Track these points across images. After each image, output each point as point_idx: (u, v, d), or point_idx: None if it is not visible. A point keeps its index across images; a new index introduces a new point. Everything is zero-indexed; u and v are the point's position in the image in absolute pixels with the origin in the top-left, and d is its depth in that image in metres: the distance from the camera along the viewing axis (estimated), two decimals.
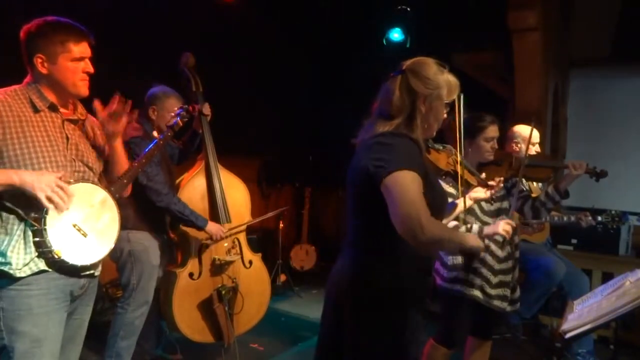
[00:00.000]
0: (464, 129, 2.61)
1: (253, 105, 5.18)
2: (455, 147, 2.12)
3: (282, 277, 5.51)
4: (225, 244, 3.29)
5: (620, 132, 5.17)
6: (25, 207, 1.79)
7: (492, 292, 2.60)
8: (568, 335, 1.76)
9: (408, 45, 5.28)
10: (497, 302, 2.62)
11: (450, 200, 2.30)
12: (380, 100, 1.82)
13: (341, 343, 1.79)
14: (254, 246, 3.57)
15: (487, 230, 2.34)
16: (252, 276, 3.42)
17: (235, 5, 4.73)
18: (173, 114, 2.68)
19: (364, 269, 1.77)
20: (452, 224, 2.37)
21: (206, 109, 3.30)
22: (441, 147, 2.08)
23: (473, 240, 1.80)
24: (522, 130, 3.40)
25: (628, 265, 3.64)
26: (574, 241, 4.42)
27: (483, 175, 2.25)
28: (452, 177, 2.10)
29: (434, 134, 1.90)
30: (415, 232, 1.57)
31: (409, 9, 5.19)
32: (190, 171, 3.33)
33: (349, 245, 1.85)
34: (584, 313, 1.91)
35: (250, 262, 3.42)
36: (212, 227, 3.13)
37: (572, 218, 3.59)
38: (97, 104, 2.02)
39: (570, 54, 5.44)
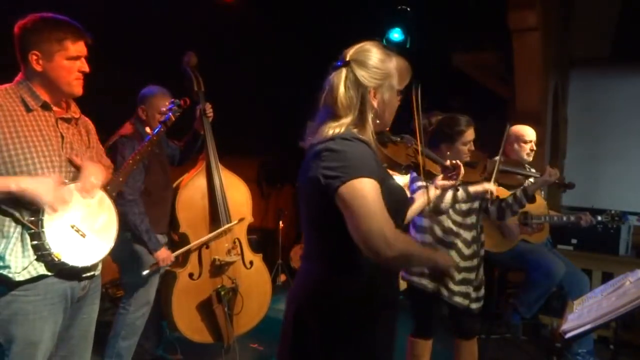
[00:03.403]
0: (442, 133, 2.63)
1: (253, 105, 5.19)
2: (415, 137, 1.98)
3: (282, 277, 5.51)
4: (226, 245, 3.29)
5: (620, 132, 5.18)
6: (22, 209, 1.76)
7: (455, 288, 2.64)
8: (568, 335, 1.75)
9: (408, 45, 5.28)
10: (458, 299, 2.66)
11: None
12: (325, 98, 1.60)
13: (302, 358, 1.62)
14: (254, 246, 3.57)
15: (473, 188, 2.43)
16: (253, 277, 3.42)
17: (235, 5, 4.73)
18: (165, 109, 2.61)
19: (325, 285, 1.59)
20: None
21: (208, 110, 3.29)
22: (399, 139, 1.93)
23: (443, 258, 1.70)
24: (517, 130, 3.39)
25: (628, 265, 3.65)
26: (574, 241, 4.42)
27: (447, 162, 2.17)
28: (414, 169, 1.98)
29: (389, 125, 1.73)
30: (380, 249, 1.41)
31: (409, 9, 5.19)
32: (192, 171, 3.32)
33: (307, 259, 1.67)
34: (584, 313, 1.91)
35: (251, 263, 3.42)
36: (162, 253, 2.94)
37: (572, 218, 3.60)
38: None
39: (570, 54, 5.45)
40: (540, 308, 3.91)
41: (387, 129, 1.77)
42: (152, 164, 2.99)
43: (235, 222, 3.33)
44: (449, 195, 2.41)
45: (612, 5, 4.90)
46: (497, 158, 2.71)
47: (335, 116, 1.56)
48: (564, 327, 1.82)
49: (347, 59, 1.59)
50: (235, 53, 4.78)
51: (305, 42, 5.44)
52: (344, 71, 1.57)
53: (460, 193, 2.45)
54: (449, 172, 2.11)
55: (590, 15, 5.07)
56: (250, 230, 3.57)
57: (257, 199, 3.55)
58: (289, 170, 6.18)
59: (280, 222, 5.56)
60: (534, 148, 3.43)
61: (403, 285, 4.60)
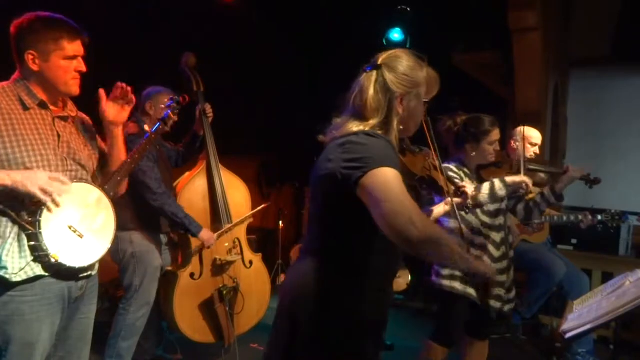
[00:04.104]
0: (467, 133, 2.64)
1: (253, 105, 5.18)
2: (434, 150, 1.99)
3: (282, 277, 5.51)
4: (226, 244, 3.29)
5: (620, 132, 5.18)
6: (19, 209, 1.74)
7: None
8: (568, 335, 1.75)
9: (408, 46, 5.28)
10: (491, 302, 2.62)
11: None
12: (354, 98, 1.63)
13: (293, 354, 1.62)
14: (254, 247, 3.57)
15: (510, 178, 2.44)
16: (253, 276, 3.42)
17: (235, 5, 4.73)
18: (163, 106, 2.62)
19: (323, 283, 1.58)
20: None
21: (208, 110, 3.29)
22: (417, 150, 1.94)
23: (483, 265, 1.63)
24: (526, 131, 3.38)
25: (628, 265, 3.64)
26: (574, 241, 4.42)
27: (464, 182, 2.20)
28: (427, 182, 2.00)
29: (412, 134, 1.75)
30: (408, 232, 1.38)
31: (409, 9, 5.19)
32: (192, 171, 3.33)
33: (309, 253, 1.66)
34: (584, 313, 1.90)
35: (251, 262, 3.42)
36: (205, 234, 3.07)
37: (572, 217, 3.60)
38: (101, 91, 2.00)
39: (570, 54, 5.45)
40: (540, 308, 3.91)
41: (409, 136, 1.79)
42: (157, 161, 3.00)
43: (249, 214, 3.39)
44: (486, 185, 2.42)
45: (612, 5, 4.90)
46: (517, 158, 2.72)
47: (362, 117, 1.60)
48: (564, 327, 1.82)
49: (379, 62, 1.62)
50: (234, 53, 4.78)
51: (305, 42, 5.45)
52: (374, 74, 1.60)
53: (498, 184, 2.45)
54: (458, 194, 2.14)
55: (590, 15, 5.07)
56: (250, 230, 3.57)
57: (257, 199, 3.54)
58: (289, 170, 6.18)
59: (280, 222, 5.56)
60: (538, 152, 3.43)
61: (403, 285, 4.62)
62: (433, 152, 1.93)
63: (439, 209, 2.28)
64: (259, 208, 3.49)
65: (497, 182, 2.48)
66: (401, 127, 1.64)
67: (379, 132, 1.57)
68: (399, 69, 1.61)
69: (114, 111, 2.02)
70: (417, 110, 1.66)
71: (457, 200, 2.17)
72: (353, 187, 1.47)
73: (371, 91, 1.59)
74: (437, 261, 2.36)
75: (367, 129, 1.56)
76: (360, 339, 1.62)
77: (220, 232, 3.20)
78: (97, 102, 2.02)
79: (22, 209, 1.75)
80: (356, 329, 1.61)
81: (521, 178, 2.51)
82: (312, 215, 1.66)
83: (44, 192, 1.70)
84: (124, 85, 2.02)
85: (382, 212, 1.41)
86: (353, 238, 1.57)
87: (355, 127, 1.58)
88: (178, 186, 3.29)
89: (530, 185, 2.52)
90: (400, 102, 1.61)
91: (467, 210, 2.39)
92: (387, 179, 1.44)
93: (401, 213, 1.40)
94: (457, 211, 2.16)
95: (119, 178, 2.04)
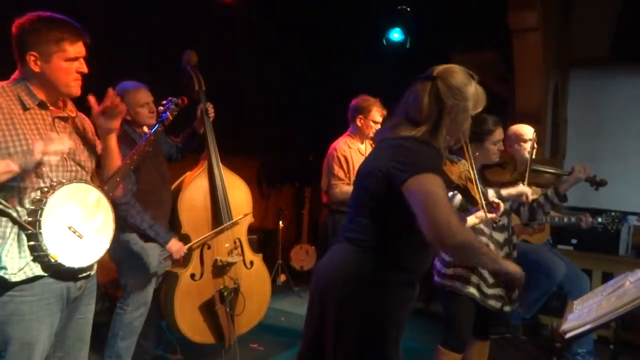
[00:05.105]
0: (470, 133, 2.64)
1: (252, 106, 5.18)
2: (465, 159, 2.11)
3: (282, 277, 5.51)
4: (227, 245, 3.29)
5: (620, 132, 5.18)
6: (19, 209, 1.75)
7: (488, 291, 2.61)
8: (568, 335, 1.76)
9: (408, 46, 5.28)
10: (492, 302, 2.63)
11: None
12: (408, 104, 1.78)
13: (324, 338, 1.76)
14: (254, 247, 3.56)
15: (506, 191, 2.47)
16: (253, 277, 3.42)
17: (235, 5, 4.73)
18: (162, 108, 2.58)
19: (357, 269, 1.71)
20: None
21: (210, 109, 3.27)
22: (456, 160, 2.07)
23: (513, 267, 1.79)
24: (515, 130, 3.35)
25: (628, 265, 3.65)
26: (574, 241, 4.42)
27: (491, 199, 2.24)
28: (461, 192, 2.10)
29: (455, 144, 1.89)
30: (445, 236, 1.55)
31: (409, 9, 5.19)
32: (193, 171, 3.32)
33: (346, 241, 1.79)
34: (584, 313, 1.91)
35: (252, 263, 3.42)
36: (173, 245, 2.96)
37: (573, 219, 3.60)
38: (91, 99, 1.96)
39: (570, 54, 5.44)
40: (540, 308, 3.91)
41: (451, 146, 1.90)
42: (143, 164, 2.89)
43: (241, 216, 3.35)
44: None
45: (612, 5, 4.91)
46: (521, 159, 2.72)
47: (413, 122, 1.74)
48: (564, 327, 1.83)
49: (434, 74, 1.76)
50: (235, 53, 4.78)
51: (306, 42, 5.44)
52: (429, 84, 1.74)
53: (492, 194, 2.46)
54: (489, 208, 2.20)
55: (590, 15, 5.07)
56: (250, 230, 3.56)
57: (257, 199, 3.54)
58: (289, 171, 6.18)
59: (280, 222, 5.56)
60: (535, 146, 3.40)
61: None
62: (470, 166, 2.06)
63: (471, 220, 2.31)
64: (241, 217, 3.36)
65: (490, 192, 2.47)
66: (447, 137, 1.77)
67: (428, 140, 1.72)
68: (452, 82, 1.73)
69: (107, 120, 1.98)
70: (463, 122, 1.79)
71: (490, 215, 2.22)
72: (397, 187, 1.61)
73: (425, 100, 1.72)
74: (469, 263, 2.49)
75: (417, 134, 1.71)
76: (384, 332, 1.72)
77: (189, 244, 3.12)
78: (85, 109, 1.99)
79: (23, 208, 1.75)
80: (380, 321, 1.71)
81: (518, 190, 2.51)
82: (355, 206, 1.80)
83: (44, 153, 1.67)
84: (113, 94, 1.98)
85: (423, 216, 1.57)
86: (390, 232, 1.69)
87: (406, 132, 1.72)
88: (181, 185, 3.28)
89: (530, 196, 2.53)
90: (449, 113, 1.73)
91: (495, 225, 2.48)
92: (430, 186, 1.59)
93: (440, 220, 1.55)
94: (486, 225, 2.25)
95: (117, 179, 2.04)
